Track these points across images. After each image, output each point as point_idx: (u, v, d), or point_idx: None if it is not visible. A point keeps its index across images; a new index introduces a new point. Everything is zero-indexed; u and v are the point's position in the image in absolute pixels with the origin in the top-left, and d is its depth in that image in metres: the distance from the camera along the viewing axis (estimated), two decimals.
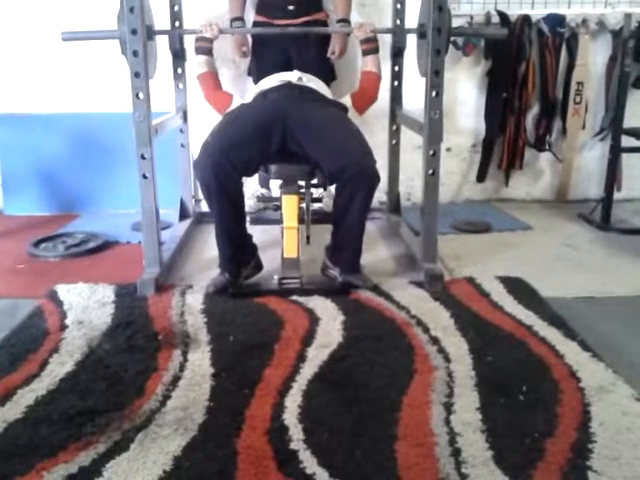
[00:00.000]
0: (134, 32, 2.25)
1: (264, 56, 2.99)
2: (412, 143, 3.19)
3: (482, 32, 3.34)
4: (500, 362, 1.84)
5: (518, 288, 2.39)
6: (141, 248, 2.48)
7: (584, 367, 1.80)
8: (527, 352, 1.90)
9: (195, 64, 2.70)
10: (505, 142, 3.61)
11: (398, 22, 2.96)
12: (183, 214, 3.24)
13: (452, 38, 2.82)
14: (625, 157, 3.28)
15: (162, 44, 2.91)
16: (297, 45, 2.98)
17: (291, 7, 2.92)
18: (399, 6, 2.96)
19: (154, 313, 2.19)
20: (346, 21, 3.04)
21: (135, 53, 2.26)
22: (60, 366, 1.82)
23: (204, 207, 3.36)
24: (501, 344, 1.96)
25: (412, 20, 2.77)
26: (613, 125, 3.27)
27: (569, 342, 1.95)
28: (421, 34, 2.52)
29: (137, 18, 2.24)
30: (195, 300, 2.29)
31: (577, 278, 2.55)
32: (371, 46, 2.72)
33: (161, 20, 2.81)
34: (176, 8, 2.98)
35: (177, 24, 3.00)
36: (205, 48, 2.69)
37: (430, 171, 2.42)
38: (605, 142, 3.50)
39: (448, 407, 1.62)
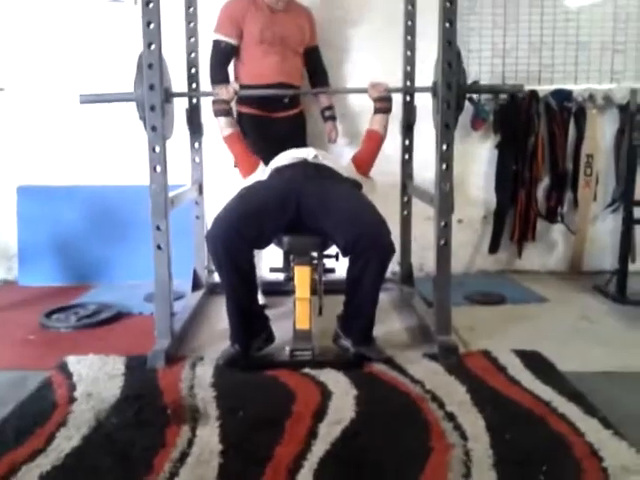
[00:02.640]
0: (154, 129, 2.33)
1: (258, 142, 3.03)
2: (423, 214, 3.21)
3: (498, 88, 3.39)
4: (519, 440, 1.78)
5: (535, 362, 2.34)
6: (153, 319, 2.47)
7: (606, 446, 1.73)
8: (546, 429, 1.84)
9: (218, 127, 2.74)
10: (517, 214, 3.63)
11: (408, 83, 3.08)
12: (196, 285, 3.25)
13: (467, 95, 2.89)
14: (638, 228, 3.27)
15: (181, 120, 3.01)
16: (287, 131, 3.12)
17: (286, 100, 3.09)
18: (409, 68, 3.09)
19: (164, 386, 2.15)
20: (331, 108, 3.31)
21: (153, 128, 2.33)
22: (67, 441, 1.78)
23: (217, 278, 3.38)
24: (519, 421, 1.89)
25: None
26: (624, 197, 3.29)
27: (589, 419, 1.89)
28: (435, 92, 2.58)
29: (155, 75, 2.30)
30: (205, 373, 2.25)
31: (595, 352, 2.50)
32: (384, 105, 2.77)
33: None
34: (193, 70, 3.10)
35: (194, 101, 3.12)
36: (223, 110, 2.72)
37: (442, 242, 2.42)
38: (617, 213, 3.50)
39: None
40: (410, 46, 3.06)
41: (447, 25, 2.28)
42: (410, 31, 3.05)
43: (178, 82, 2.87)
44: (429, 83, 2.63)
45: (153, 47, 2.29)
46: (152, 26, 2.27)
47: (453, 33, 2.29)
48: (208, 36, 3.05)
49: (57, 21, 3.45)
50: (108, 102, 2.70)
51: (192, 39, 3.09)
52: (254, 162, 2.72)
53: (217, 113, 2.73)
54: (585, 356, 2.45)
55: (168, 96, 2.55)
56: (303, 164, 2.63)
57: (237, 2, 3.02)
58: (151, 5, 2.26)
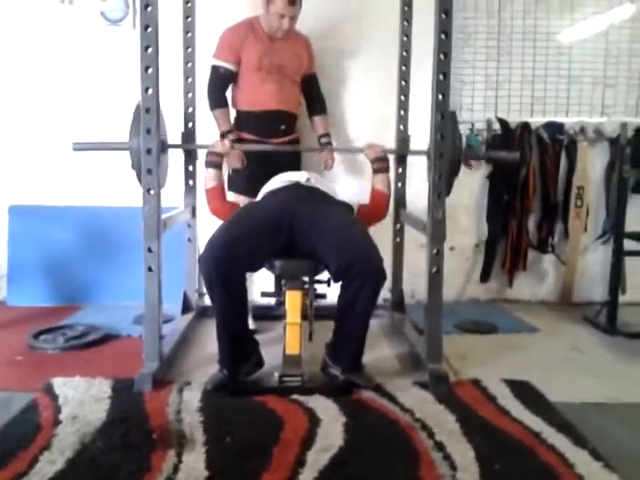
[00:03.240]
0: (149, 151, 2.33)
1: (251, 168, 3.06)
2: (416, 241, 3.22)
3: (494, 156, 3.39)
4: (508, 471, 1.76)
5: (525, 392, 2.33)
6: (142, 342, 2.45)
7: (596, 478, 1.72)
8: (536, 460, 1.82)
9: (204, 177, 2.75)
10: (508, 243, 3.66)
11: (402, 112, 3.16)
12: (186, 308, 3.23)
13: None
14: (628, 260, 3.29)
15: (176, 141, 3.03)
16: (285, 159, 3.10)
17: (282, 127, 3.13)
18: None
19: (150, 410, 2.13)
20: (328, 135, 3.29)
21: (149, 151, 2.34)
22: (50, 465, 1.75)
23: (207, 301, 3.36)
24: (509, 452, 1.88)
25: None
26: (614, 229, 3.31)
27: (579, 450, 1.87)
28: (429, 156, 2.60)
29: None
30: (193, 397, 2.23)
31: (585, 383, 2.50)
32: (381, 165, 2.79)
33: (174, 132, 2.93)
34: (190, 125, 3.16)
35: (190, 125, 3.15)
36: (215, 162, 2.74)
37: (434, 269, 2.43)
38: (608, 245, 3.53)
39: None
40: (405, 76, 3.11)
41: (442, 57, 2.32)
42: (405, 61, 3.10)
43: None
44: (424, 114, 2.65)
45: (151, 71, 2.30)
46: (150, 50, 2.29)
47: (447, 65, 2.33)
48: (206, 64, 3.08)
49: (54, 41, 3.48)
50: (101, 150, 2.72)
51: (189, 64, 3.13)
52: (233, 209, 2.68)
53: (208, 164, 2.74)
54: (575, 387, 2.44)
55: (164, 147, 2.57)
56: (296, 187, 2.64)
57: (237, 29, 3.05)
58: (149, 29, 2.29)
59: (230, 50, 3.02)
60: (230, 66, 3.03)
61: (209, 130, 3.19)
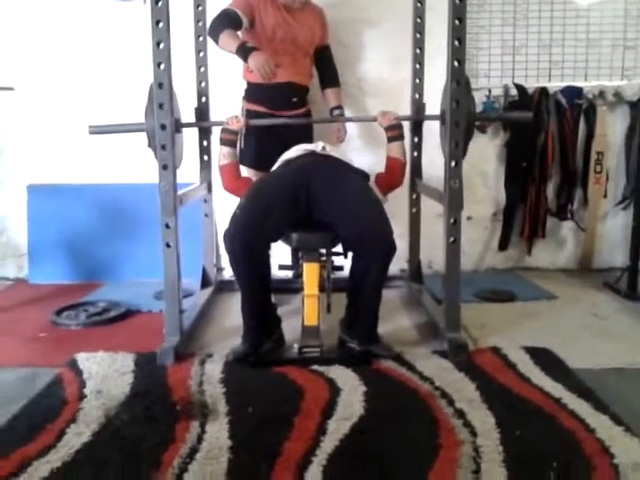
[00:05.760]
0: (163, 127, 2.33)
1: (263, 141, 3.02)
2: (433, 211, 3.20)
3: (507, 116, 3.34)
4: (529, 437, 1.77)
5: (545, 359, 2.33)
6: (162, 316, 2.48)
7: (617, 442, 1.72)
8: (556, 426, 1.83)
9: (218, 155, 2.73)
10: (526, 211, 3.62)
11: (417, 82, 3.11)
12: (205, 282, 3.25)
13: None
14: None
15: (189, 117, 3.01)
16: (297, 132, 3.05)
17: (294, 99, 3.07)
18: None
19: (173, 383, 2.16)
20: (340, 107, 3.23)
21: (163, 126, 2.33)
22: (77, 437, 1.79)
23: (226, 275, 3.39)
24: (529, 417, 1.89)
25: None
26: (635, 194, 3.26)
27: (600, 415, 1.87)
28: (443, 121, 2.58)
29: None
30: (214, 369, 2.26)
31: (605, 348, 2.48)
32: (396, 133, 2.74)
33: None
34: (203, 99, 3.14)
35: (203, 99, 3.14)
36: (230, 140, 2.70)
37: (451, 239, 2.42)
38: (628, 210, 3.48)
39: None
40: (419, 43, 3.06)
41: (457, 22, 2.27)
42: (419, 28, 3.04)
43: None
44: (439, 81, 2.62)
45: (162, 46, 2.29)
46: (161, 25, 2.27)
47: (462, 30, 2.28)
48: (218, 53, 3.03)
49: (66, 20, 3.46)
50: (118, 133, 2.72)
51: (201, 38, 3.11)
52: (245, 186, 2.65)
53: (222, 142, 2.70)
54: (595, 353, 2.43)
55: (178, 126, 2.55)
56: (312, 155, 2.65)
57: None
58: (160, 4, 2.27)
59: (246, 4, 2.91)
60: (241, 15, 2.86)
61: (223, 104, 3.19)
